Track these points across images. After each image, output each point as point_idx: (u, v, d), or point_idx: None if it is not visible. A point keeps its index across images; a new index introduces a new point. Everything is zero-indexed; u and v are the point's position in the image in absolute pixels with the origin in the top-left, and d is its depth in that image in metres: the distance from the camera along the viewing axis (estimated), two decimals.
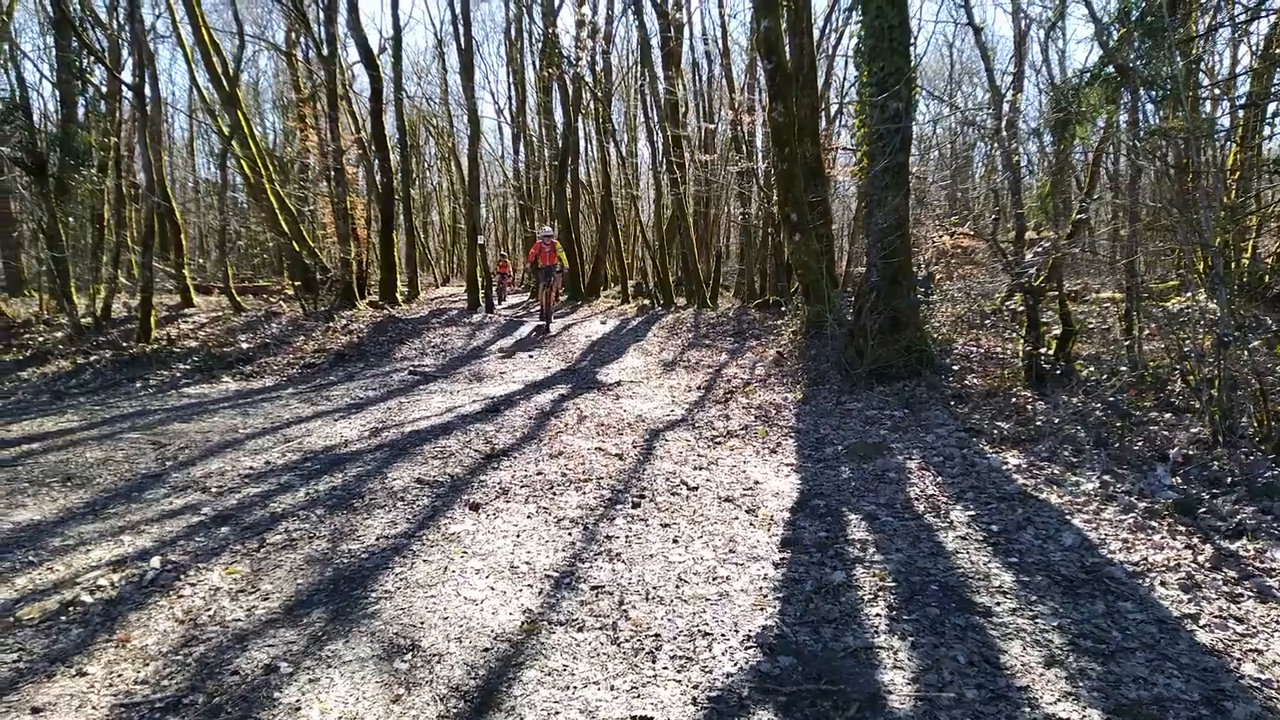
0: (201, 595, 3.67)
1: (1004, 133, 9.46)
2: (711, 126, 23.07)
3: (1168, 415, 5.99)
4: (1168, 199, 7.54)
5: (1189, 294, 6.09)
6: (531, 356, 12.13)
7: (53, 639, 3.25)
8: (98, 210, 15.14)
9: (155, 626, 3.36)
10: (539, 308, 15.77)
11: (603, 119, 22.95)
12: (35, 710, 2.74)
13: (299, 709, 2.72)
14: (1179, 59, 6.39)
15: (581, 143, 26.28)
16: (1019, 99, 15.09)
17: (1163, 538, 4.12)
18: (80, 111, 16.17)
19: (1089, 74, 7.25)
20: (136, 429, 7.36)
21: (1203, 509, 4.38)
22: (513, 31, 26.75)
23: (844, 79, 21.16)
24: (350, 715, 2.68)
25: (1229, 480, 4.69)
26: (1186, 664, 2.93)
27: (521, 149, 29.32)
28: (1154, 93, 6.93)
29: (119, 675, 2.97)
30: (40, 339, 12.29)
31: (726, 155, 21.41)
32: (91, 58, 15.03)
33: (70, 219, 14.19)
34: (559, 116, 24.17)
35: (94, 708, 2.76)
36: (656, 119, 20.67)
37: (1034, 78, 19.41)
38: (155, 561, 4.05)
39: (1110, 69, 6.97)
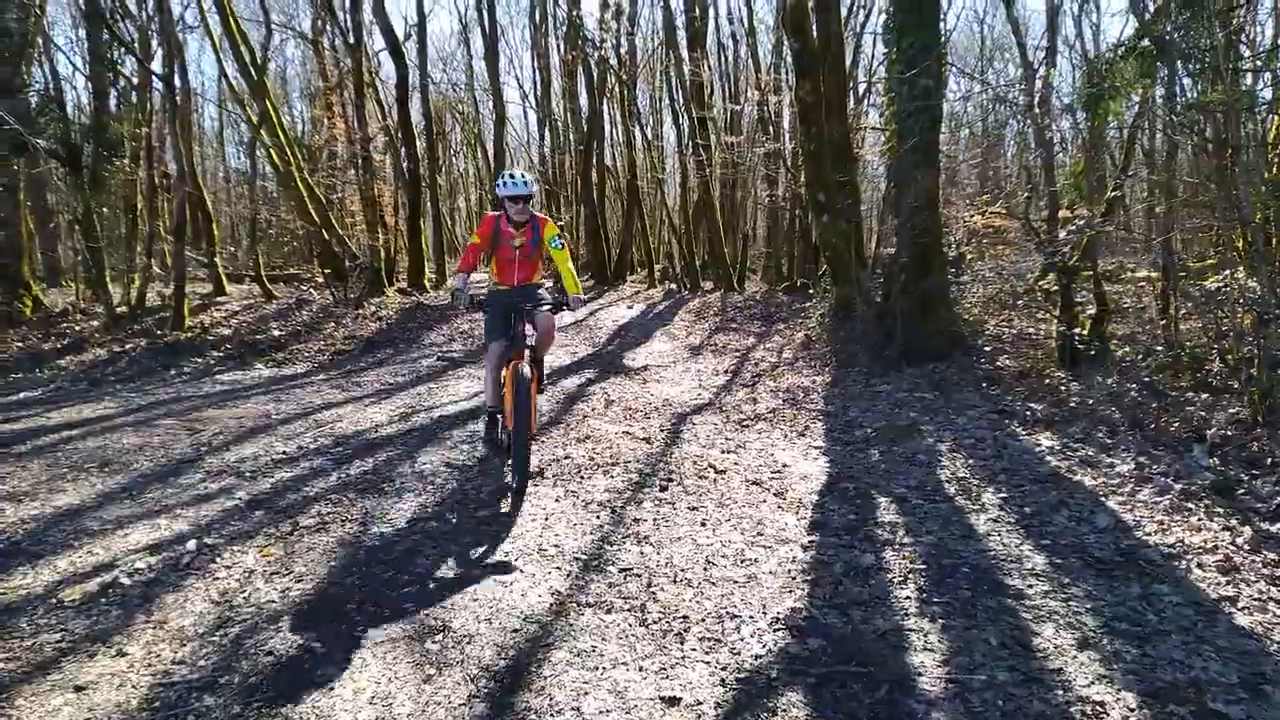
0: (236, 577, 3.73)
1: (1036, 109, 9.27)
2: (737, 108, 22.91)
3: (1205, 396, 5.87)
4: (1205, 175, 7.35)
5: (1227, 272, 5.93)
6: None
7: (93, 620, 3.32)
8: (131, 200, 15.32)
9: (192, 608, 3.41)
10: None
11: (628, 102, 22.86)
12: (78, 689, 2.80)
13: (332, 688, 2.76)
14: (1219, 30, 6.21)
15: (606, 126, 26.23)
16: (1052, 74, 14.76)
17: (1199, 520, 4.05)
18: (112, 103, 16.35)
19: (1124, 47, 7.06)
20: (172, 415, 7.48)
21: (1241, 490, 4.30)
22: (537, 16, 26.64)
23: (872, 56, 20.81)
24: (383, 694, 2.72)
25: (1269, 461, 4.59)
26: (1224, 647, 2.88)
27: (547, 134, 29.30)
28: (1192, 65, 6.75)
29: (157, 655, 3.02)
30: (77, 328, 12.50)
31: (753, 136, 21.24)
32: (122, 49, 15.18)
33: (104, 210, 14.39)
34: (584, 101, 24.11)
35: (134, 686, 2.81)
36: (682, 101, 20.57)
37: (1067, 52, 18.98)
38: (191, 544, 4.12)
39: (1146, 42, 6.79)
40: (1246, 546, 3.69)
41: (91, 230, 12.76)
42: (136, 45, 15.30)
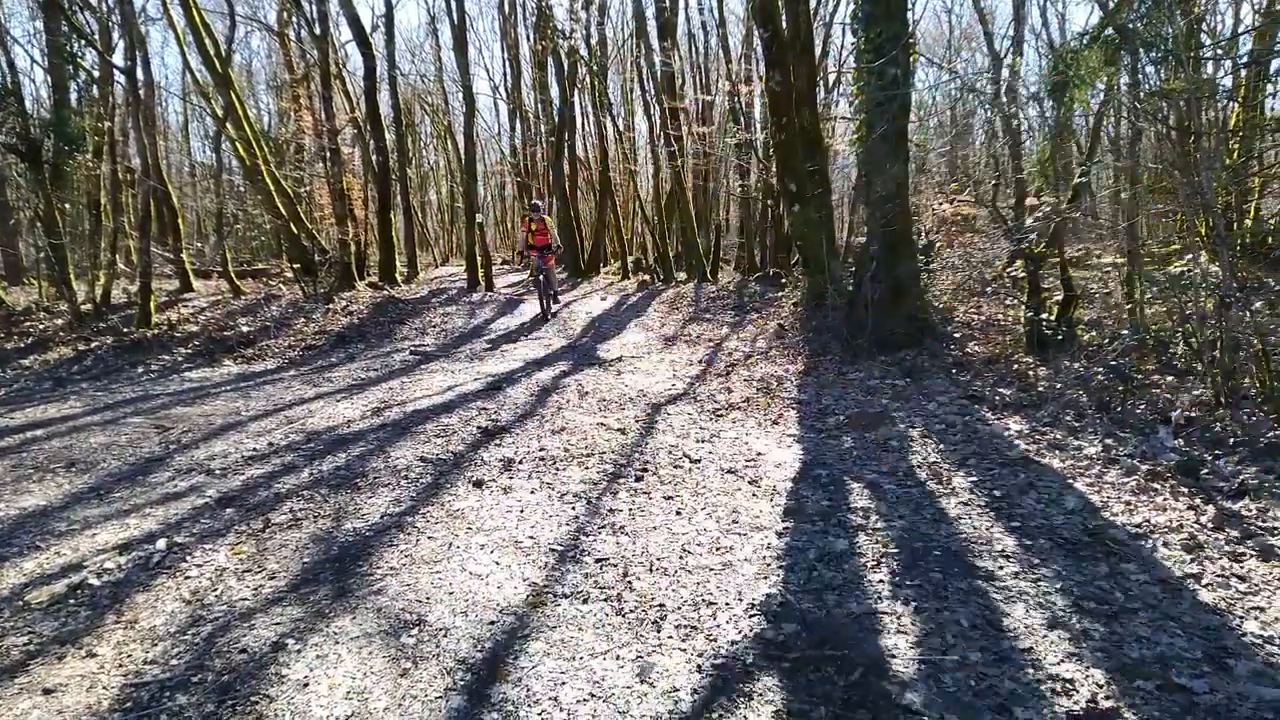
0: (208, 575, 3.69)
1: (1003, 98, 9.38)
2: (709, 98, 22.85)
3: (1170, 378, 5.98)
4: (1169, 161, 7.45)
5: (1190, 256, 6.03)
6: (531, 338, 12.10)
7: (62, 621, 3.28)
8: (94, 196, 15.01)
9: (163, 607, 3.38)
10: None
11: (599, 93, 22.73)
12: (47, 691, 2.77)
13: (307, 685, 2.74)
14: (1180, 18, 6.30)
15: (578, 118, 26.12)
16: (1018, 63, 14.92)
17: (1165, 499, 4.13)
18: (73, 96, 16.00)
19: (1088, 36, 7.13)
20: (139, 413, 7.38)
21: (1205, 470, 4.39)
22: (506, 6, 26.49)
23: (842, 47, 20.88)
24: (359, 689, 2.71)
25: (1231, 441, 4.69)
26: (1189, 623, 2.94)
27: (518, 125, 29.16)
28: (1154, 53, 6.84)
29: (128, 656, 2.99)
30: (41, 326, 12.28)
31: (724, 127, 21.22)
32: (82, 41, 14.86)
33: (66, 205, 14.13)
34: (554, 92, 23.96)
35: (104, 688, 2.78)
36: (653, 92, 20.48)
37: (1033, 41, 19.14)
38: (161, 544, 4.07)
39: (1110, 30, 6.87)
40: (1210, 524, 3.77)
41: (54, 226, 12.53)
42: (97, 37, 15.00)
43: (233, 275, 16.09)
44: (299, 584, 3.57)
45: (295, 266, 15.94)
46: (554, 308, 14.15)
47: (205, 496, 4.87)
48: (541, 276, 13.59)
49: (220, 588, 3.56)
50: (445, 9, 23.76)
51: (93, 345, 11.27)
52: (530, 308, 14.72)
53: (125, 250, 16.83)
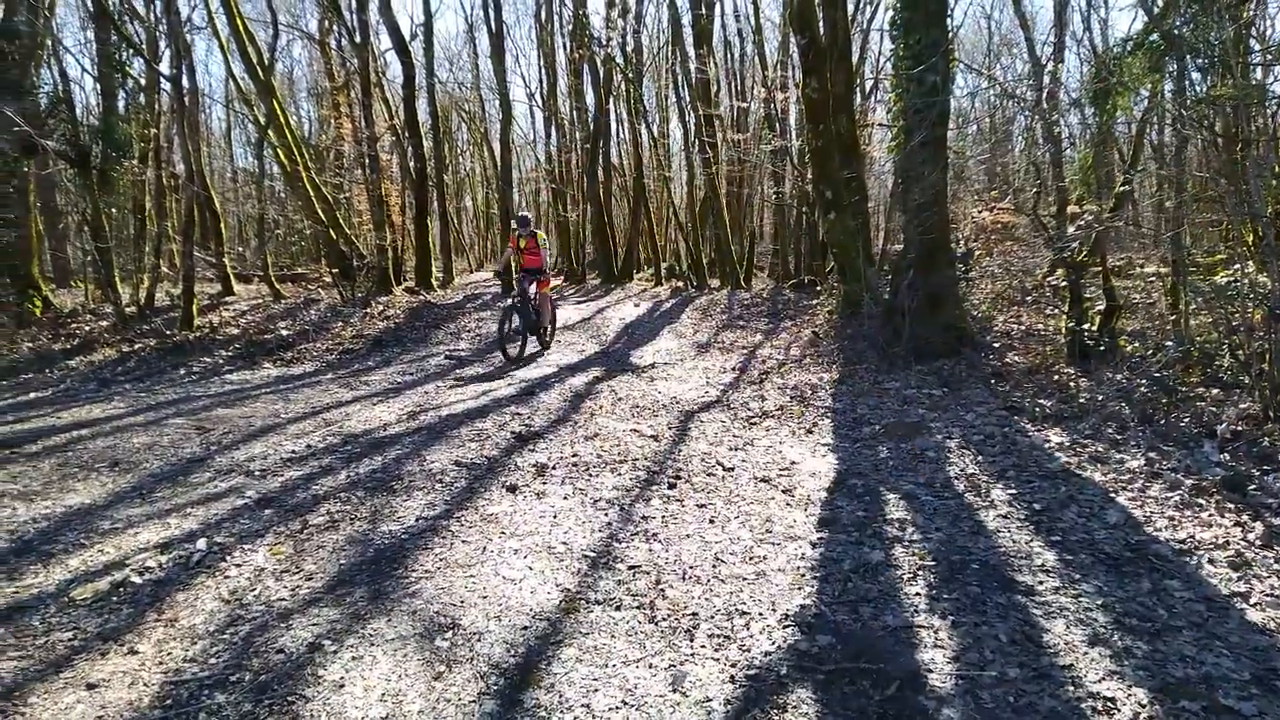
0: (246, 575, 3.75)
1: (1044, 105, 9.23)
2: (744, 105, 22.85)
3: (1215, 391, 5.84)
4: (1215, 169, 7.31)
5: (1237, 266, 5.89)
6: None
7: (105, 618, 3.34)
8: (139, 201, 15.39)
9: (202, 606, 3.43)
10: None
11: (634, 100, 22.82)
12: (90, 686, 2.82)
13: (343, 686, 2.76)
14: (1228, 23, 6.18)
15: (613, 125, 26.18)
16: (1060, 69, 14.72)
17: (1210, 515, 4.03)
18: (120, 104, 16.42)
19: (1132, 42, 7.01)
20: (181, 414, 7.51)
21: (1253, 486, 4.27)
22: (543, 14, 26.66)
23: (879, 53, 20.86)
24: (393, 692, 2.72)
25: None
26: (1236, 643, 2.86)
27: (553, 133, 29.27)
28: (1201, 60, 6.71)
29: (168, 653, 3.04)
30: (87, 328, 12.59)
31: (760, 134, 21.18)
32: (130, 50, 15.25)
33: (113, 210, 14.48)
34: (590, 99, 24.08)
35: (145, 684, 2.83)
36: (688, 99, 20.54)
37: (1075, 47, 18.98)
38: (201, 543, 4.13)
39: (1155, 36, 6.75)
40: (1258, 542, 3.67)
41: (100, 231, 12.84)
42: (144, 46, 15.39)
43: (273, 279, 16.39)
44: (335, 585, 3.61)
45: (334, 271, 16.18)
46: (531, 351, 11.03)
47: (245, 497, 4.94)
48: (525, 304, 10.50)
49: (258, 588, 3.60)
50: (483, 17, 24.09)
51: (136, 347, 11.51)
52: (566, 312, 14.73)
53: (169, 254, 17.22)
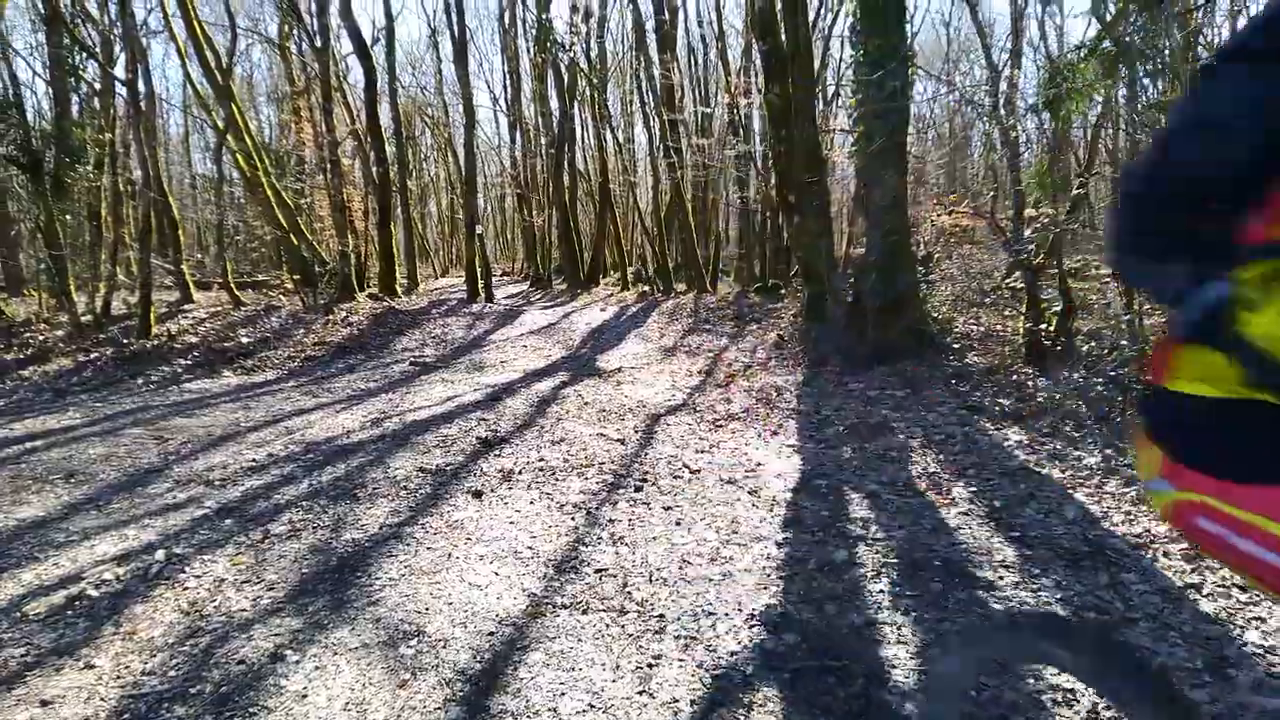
0: (206, 586, 3.68)
1: (1002, 110, 9.40)
2: (708, 110, 22.97)
3: None
4: None
5: None
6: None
7: (60, 633, 3.26)
8: (95, 207, 15.06)
9: (161, 618, 3.36)
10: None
11: (598, 105, 22.84)
12: (44, 703, 2.75)
13: (306, 696, 2.73)
14: (1176, 32, 6.34)
15: (578, 130, 26.23)
16: (1017, 76, 14.98)
17: None
18: (74, 108, 16.08)
19: (1085, 49, 7.18)
20: (139, 424, 7.37)
21: None
22: (506, 19, 26.59)
23: (841, 59, 20.97)
24: (357, 700, 2.69)
25: None
26: (1190, 633, 2.93)
27: (518, 138, 29.20)
28: (1151, 66, 6.89)
29: (126, 667, 2.98)
30: (41, 337, 12.28)
31: (724, 139, 21.31)
32: (84, 54, 14.98)
33: (67, 217, 14.15)
34: (554, 104, 24.07)
35: (102, 699, 2.77)
36: (653, 104, 20.61)
37: (1031, 54, 19.24)
38: (160, 554, 4.06)
39: (1107, 43, 6.92)
40: None
41: (54, 238, 12.56)
42: (99, 50, 15.12)
43: (233, 286, 16.12)
44: (298, 595, 3.56)
45: (295, 278, 15.98)
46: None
47: (204, 507, 4.85)
48: None
49: (219, 599, 3.54)
50: (446, 22, 23.91)
51: (92, 356, 11.27)
52: (532, 317, 14.71)
53: (126, 262, 16.86)
